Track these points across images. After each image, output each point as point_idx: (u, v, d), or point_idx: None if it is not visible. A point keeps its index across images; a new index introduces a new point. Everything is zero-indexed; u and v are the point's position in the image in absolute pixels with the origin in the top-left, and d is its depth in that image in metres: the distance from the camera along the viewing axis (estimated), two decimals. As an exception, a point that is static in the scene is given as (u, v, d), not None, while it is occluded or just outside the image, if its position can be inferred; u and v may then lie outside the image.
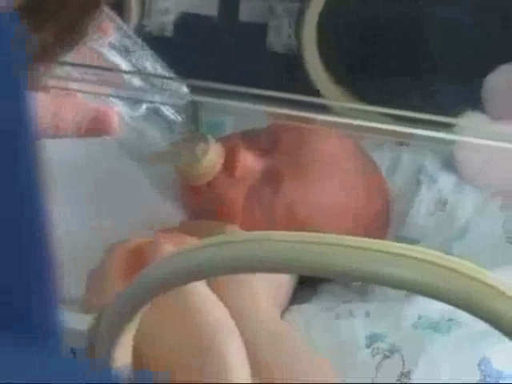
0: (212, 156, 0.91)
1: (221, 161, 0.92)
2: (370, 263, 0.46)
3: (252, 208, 0.94)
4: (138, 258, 0.77)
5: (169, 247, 0.78)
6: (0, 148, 0.28)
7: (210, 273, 0.52)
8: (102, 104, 0.67)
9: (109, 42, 0.67)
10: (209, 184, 0.93)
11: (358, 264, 0.46)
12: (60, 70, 0.65)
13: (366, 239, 0.47)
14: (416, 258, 0.46)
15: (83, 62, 0.66)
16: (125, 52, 0.68)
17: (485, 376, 0.77)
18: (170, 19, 1.22)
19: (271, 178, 0.94)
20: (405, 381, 0.77)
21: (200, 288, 0.71)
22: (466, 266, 0.45)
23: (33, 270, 0.30)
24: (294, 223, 0.92)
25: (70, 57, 0.65)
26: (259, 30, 1.20)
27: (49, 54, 0.48)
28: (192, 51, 1.15)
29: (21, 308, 0.30)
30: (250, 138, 0.96)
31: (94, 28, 0.65)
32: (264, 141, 0.96)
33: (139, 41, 0.70)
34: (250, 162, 0.94)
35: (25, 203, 0.30)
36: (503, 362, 0.77)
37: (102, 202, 0.96)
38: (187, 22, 1.21)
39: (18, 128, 0.29)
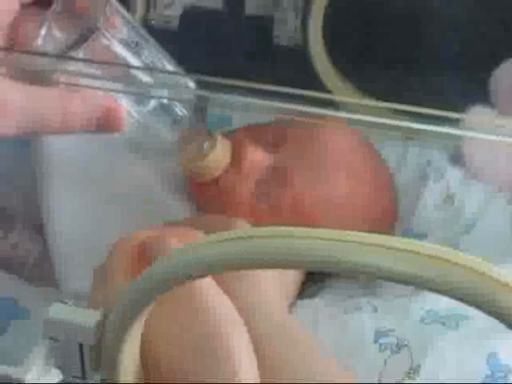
0: (219, 152, 0.91)
1: (228, 157, 0.92)
2: (375, 259, 0.46)
3: (260, 203, 0.94)
4: (143, 254, 0.77)
5: (174, 242, 0.77)
6: None
7: (218, 268, 0.52)
8: (111, 99, 0.67)
9: (117, 36, 0.67)
10: (215, 180, 0.93)
11: (365, 259, 0.46)
12: (68, 65, 0.65)
13: (372, 234, 0.47)
14: (421, 254, 0.45)
15: (92, 56, 0.65)
16: (134, 47, 0.68)
17: (493, 371, 0.76)
18: (175, 12, 1.21)
19: (278, 174, 0.94)
20: (413, 376, 0.77)
21: (207, 284, 0.71)
22: (473, 261, 0.45)
23: None
24: (302, 219, 0.92)
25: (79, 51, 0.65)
26: (265, 24, 1.19)
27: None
28: (197, 44, 1.15)
29: None
30: (257, 133, 0.96)
31: (103, 21, 0.65)
32: (271, 136, 0.96)
33: (147, 36, 0.70)
34: (256, 156, 0.94)
35: None
36: (512, 356, 0.77)
37: (108, 199, 0.96)
38: (192, 16, 1.20)
39: None
